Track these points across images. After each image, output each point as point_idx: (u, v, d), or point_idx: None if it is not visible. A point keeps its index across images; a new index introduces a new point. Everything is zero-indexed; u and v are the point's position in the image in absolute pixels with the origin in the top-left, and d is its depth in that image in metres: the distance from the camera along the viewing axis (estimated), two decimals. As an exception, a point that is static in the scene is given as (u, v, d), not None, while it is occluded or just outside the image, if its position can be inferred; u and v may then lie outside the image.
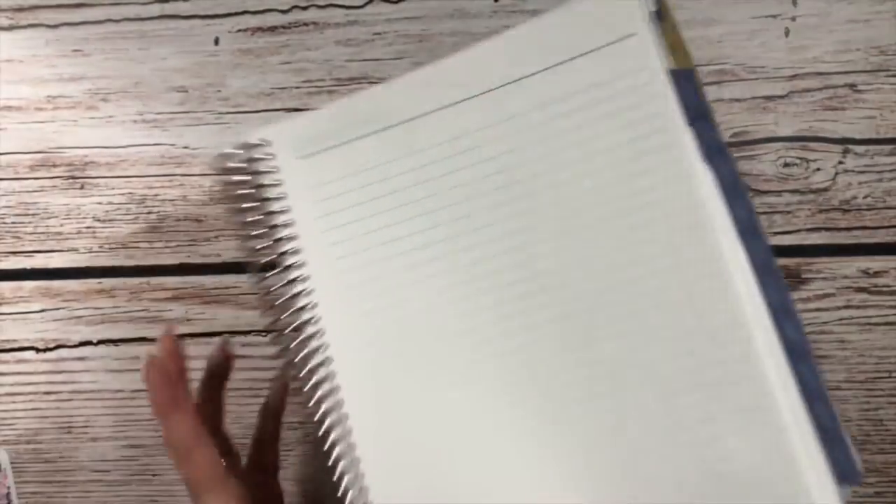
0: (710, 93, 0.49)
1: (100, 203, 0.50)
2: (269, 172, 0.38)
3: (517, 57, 0.36)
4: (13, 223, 0.50)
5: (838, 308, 0.48)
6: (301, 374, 0.36)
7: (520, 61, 0.35)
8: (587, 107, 0.35)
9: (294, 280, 0.37)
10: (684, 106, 0.34)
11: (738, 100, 0.49)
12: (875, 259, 0.48)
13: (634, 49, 0.34)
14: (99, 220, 0.50)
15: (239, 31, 0.50)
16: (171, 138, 0.50)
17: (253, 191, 0.38)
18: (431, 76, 0.36)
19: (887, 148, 0.48)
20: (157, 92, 0.50)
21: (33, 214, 0.50)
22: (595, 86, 0.34)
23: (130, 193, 0.50)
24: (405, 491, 0.35)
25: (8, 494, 0.51)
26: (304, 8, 0.50)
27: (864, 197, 0.48)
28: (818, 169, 0.47)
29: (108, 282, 0.50)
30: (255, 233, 0.37)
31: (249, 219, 0.37)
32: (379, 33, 0.50)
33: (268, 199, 0.38)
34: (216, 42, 0.50)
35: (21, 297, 0.50)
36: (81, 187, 0.50)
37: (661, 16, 0.35)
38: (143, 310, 0.50)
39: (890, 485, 0.49)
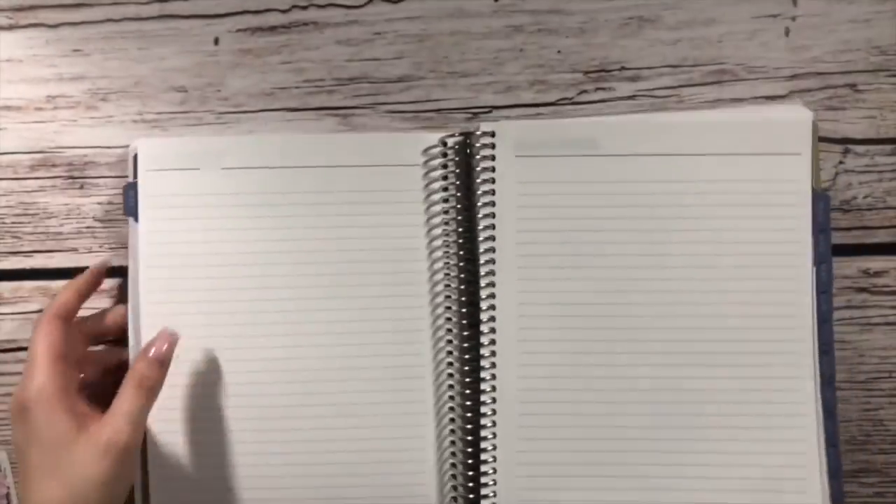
0: (710, 93, 0.49)
1: (100, 203, 0.50)
2: (487, 159, 0.46)
3: (707, 139, 0.46)
4: (13, 223, 0.50)
5: (838, 308, 0.48)
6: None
7: (705, 141, 0.46)
8: (743, 193, 0.46)
9: (486, 250, 0.46)
10: (813, 219, 0.45)
11: (738, 100, 0.49)
12: (875, 259, 0.48)
13: (795, 165, 0.45)
14: (99, 221, 0.50)
15: (239, 30, 0.50)
16: (171, 138, 0.50)
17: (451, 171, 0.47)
18: (641, 127, 0.46)
19: (887, 148, 0.48)
20: (156, 92, 0.50)
21: (33, 214, 0.50)
22: (755, 181, 0.46)
23: (130, 193, 0.50)
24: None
25: (7, 495, 0.51)
26: (304, 7, 0.50)
27: (864, 197, 0.48)
28: (819, 169, 0.47)
29: (107, 282, 0.50)
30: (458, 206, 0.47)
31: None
32: (379, 33, 0.50)
33: (479, 181, 0.46)
34: (216, 42, 0.50)
35: (21, 297, 0.50)
36: (81, 187, 0.50)
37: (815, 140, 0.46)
38: (142, 310, 0.50)
39: (890, 485, 0.49)
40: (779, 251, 0.45)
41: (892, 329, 0.48)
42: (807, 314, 0.45)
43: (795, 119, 0.46)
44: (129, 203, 0.48)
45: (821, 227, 0.46)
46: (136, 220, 0.47)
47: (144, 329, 0.47)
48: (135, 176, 0.48)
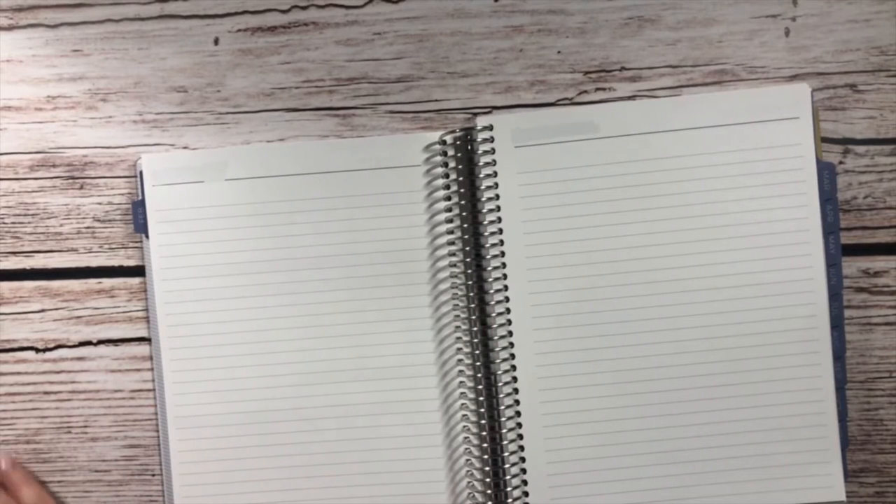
0: (710, 93, 0.49)
1: (99, 203, 0.50)
2: (487, 153, 0.47)
3: (704, 112, 0.47)
4: (13, 223, 0.50)
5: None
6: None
7: (704, 115, 0.47)
8: (746, 162, 0.46)
9: (493, 244, 0.47)
10: (819, 187, 0.46)
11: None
12: (875, 259, 0.48)
13: (795, 130, 0.46)
14: (98, 221, 0.50)
15: (239, 30, 0.50)
16: (171, 138, 0.50)
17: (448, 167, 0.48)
18: (640, 107, 0.47)
19: (887, 148, 0.48)
20: (156, 92, 0.50)
21: (33, 214, 0.50)
22: (757, 149, 0.46)
23: (130, 193, 0.50)
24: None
25: (7, 494, 0.51)
26: (304, 8, 0.50)
27: (865, 197, 0.48)
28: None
29: (107, 282, 0.50)
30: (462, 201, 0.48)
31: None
32: (379, 33, 0.50)
33: (481, 176, 0.47)
34: (216, 42, 0.50)
35: (21, 297, 0.50)
36: (81, 187, 0.50)
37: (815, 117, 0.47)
38: (142, 310, 0.50)
39: (890, 485, 0.49)
40: (787, 217, 0.46)
41: (892, 329, 0.48)
42: (819, 284, 0.46)
43: (792, 86, 0.47)
44: (137, 220, 0.49)
45: (827, 196, 0.46)
46: (147, 236, 0.48)
47: (164, 340, 0.48)
48: (142, 192, 0.49)
